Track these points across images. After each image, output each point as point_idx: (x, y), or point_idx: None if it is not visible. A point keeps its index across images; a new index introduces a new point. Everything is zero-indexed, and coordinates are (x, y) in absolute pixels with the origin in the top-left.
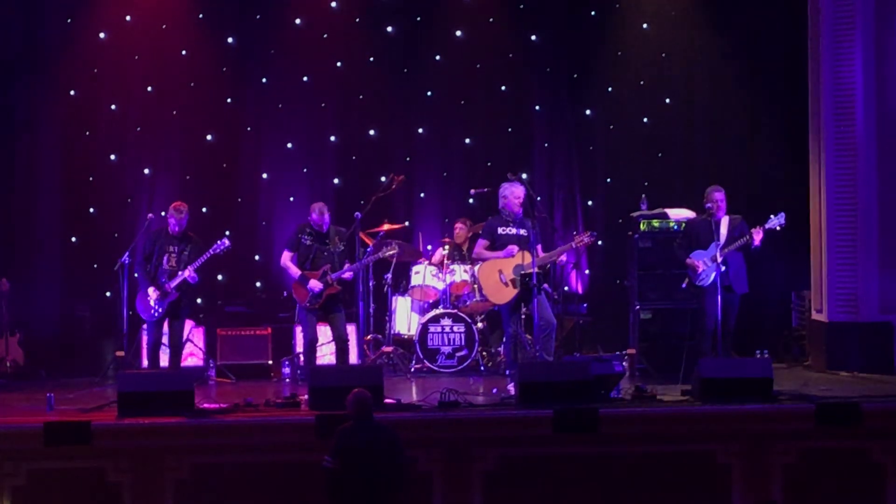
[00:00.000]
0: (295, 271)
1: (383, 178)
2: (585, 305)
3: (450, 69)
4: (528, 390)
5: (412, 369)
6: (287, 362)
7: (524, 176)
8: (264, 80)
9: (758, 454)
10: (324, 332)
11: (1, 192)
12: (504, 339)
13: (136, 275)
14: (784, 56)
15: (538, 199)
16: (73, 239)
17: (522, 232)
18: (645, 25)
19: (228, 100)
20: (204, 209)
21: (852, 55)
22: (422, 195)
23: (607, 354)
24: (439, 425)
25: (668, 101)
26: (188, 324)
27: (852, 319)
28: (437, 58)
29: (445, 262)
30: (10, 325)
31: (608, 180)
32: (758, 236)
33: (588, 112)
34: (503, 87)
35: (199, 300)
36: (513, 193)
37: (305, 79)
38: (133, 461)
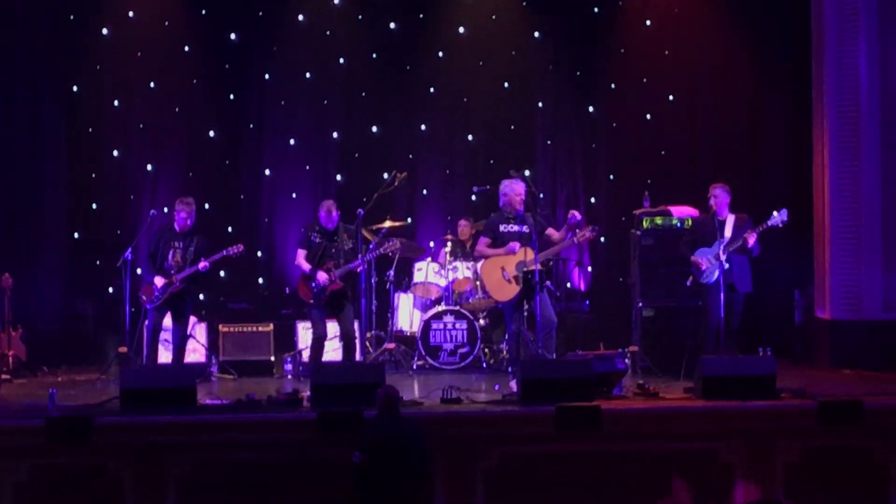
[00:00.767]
0: (307, 267)
1: (386, 175)
2: (588, 303)
3: (453, 66)
4: (530, 387)
5: (414, 366)
6: (289, 359)
7: (527, 173)
8: (267, 76)
9: (760, 452)
10: (330, 328)
11: (4, 188)
12: (506, 337)
13: (139, 270)
14: (788, 53)
15: (541, 196)
16: (76, 235)
17: (524, 229)
18: (648, 22)
19: (231, 96)
20: (206, 206)
21: (856, 51)
22: (424, 192)
23: (609, 352)
24: (441, 422)
25: (671, 98)
26: (191, 319)
27: (855, 317)
28: (440, 54)
29: (448, 259)
30: (12, 320)
31: (611, 177)
32: (751, 239)
33: (591, 109)
34: (506, 84)
35: (201, 296)
36: (513, 190)
37: (308, 75)
38: (135, 458)
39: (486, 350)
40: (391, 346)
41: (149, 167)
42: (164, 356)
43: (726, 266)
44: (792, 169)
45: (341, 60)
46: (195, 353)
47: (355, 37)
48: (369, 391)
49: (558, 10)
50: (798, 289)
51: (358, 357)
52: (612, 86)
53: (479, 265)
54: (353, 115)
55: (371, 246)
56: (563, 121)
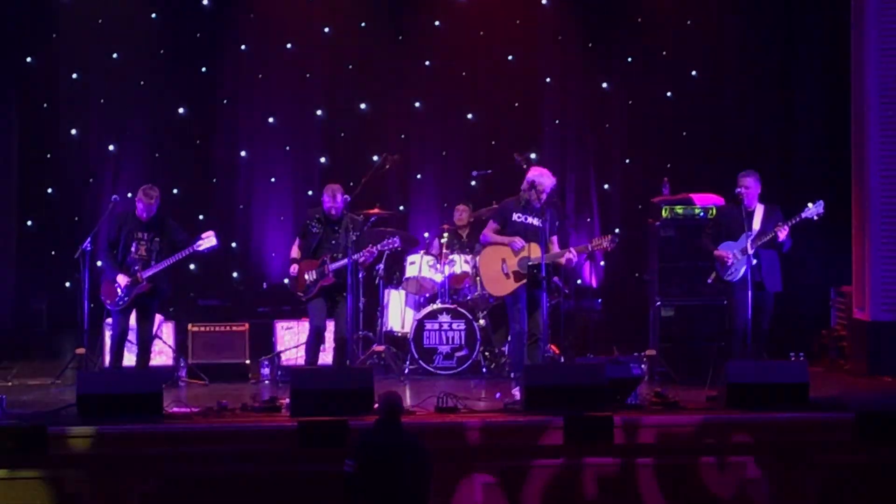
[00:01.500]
0: (294, 255)
1: (375, 158)
2: (600, 301)
3: (450, 36)
4: (535, 395)
5: (406, 371)
6: (266, 362)
7: (532, 156)
8: (243, 47)
9: (791, 468)
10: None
11: None
12: (509, 338)
13: (99, 263)
14: (823, 22)
15: None
16: (29, 223)
17: (538, 223)
18: None
19: (203, 69)
20: (175, 191)
21: None
22: (418, 177)
23: (624, 356)
24: (436, 433)
25: (694, 73)
26: (157, 318)
27: None
28: (437, 24)
29: (444, 251)
30: None
31: (626, 161)
32: (782, 233)
33: (605, 85)
34: (510, 57)
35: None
36: (541, 183)
37: (289, 46)
38: (94, 471)
39: (486, 353)
40: (380, 348)
41: (111, 147)
42: (129, 359)
43: (754, 262)
44: (828, 153)
45: (326, 29)
46: (161, 355)
47: (342, 3)
48: (355, 398)
49: None
50: (834, 287)
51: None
52: (629, 59)
53: (479, 254)
54: (339, 91)
55: (371, 247)
56: (574, 98)
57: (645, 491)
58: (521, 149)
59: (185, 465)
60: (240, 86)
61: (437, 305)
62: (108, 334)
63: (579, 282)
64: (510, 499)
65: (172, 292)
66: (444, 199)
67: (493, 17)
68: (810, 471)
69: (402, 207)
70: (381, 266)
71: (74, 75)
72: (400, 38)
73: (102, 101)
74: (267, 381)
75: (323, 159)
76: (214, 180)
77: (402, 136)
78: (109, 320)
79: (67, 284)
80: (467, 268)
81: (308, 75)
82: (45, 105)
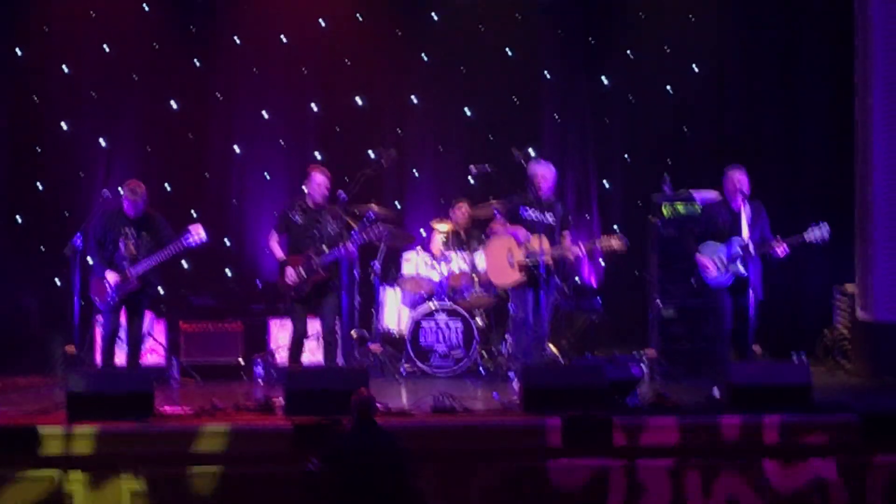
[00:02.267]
0: (277, 253)
1: (371, 153)
2: (599, 300)
3: (449, 30)
4: (534, 396)
5: (402, 371)
6: (260, 361)
7: (531, 152)
8: (237, 40)
9: (794, 470)
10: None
11: None
12: (506, 335)
13: (89, 260)
14: (827, 18)
15: None
16: (18, 218)
17: (549, 218)
18: None
19: (196, 62)
20: (167, 186)
21: None
22: (415, 173)
23: (624, 356)
24: (433, 435)
25: (695, 68)
26: (148, 315)
27: None
28: (434, 17)
29: (441, 248)
30: None
31: (627, 158)
32: (780, 250)
33: (605, 81)
34: (509, 52)
35: (160, 289)
36: (539, 173)
37: (283, 39)
38: (85, 471)
39: (484, 353)
40: (376, 347)
41: (102, 141)
42: (120, 358)
43: (743, 272)
44: (831, 149)
45: (321, 22)
46: (153, 353)
47: None
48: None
49: None
50: (837, 286)
51: (339, 360)
52: (629, 54)
53: (482, 247)
54: (335, 85)
55: (353, 233)
56: (573, 93)
57: (646, 494)
58: (519, 145)
59: (177, 466)
60: (233, 79)
61: (434, 304)
62: (98, 332)
63: (578, 281)
64: (509, 501)
65: (163, 290)
66: (441, 195)
67: (492, 12)
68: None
69: (397, 204)
70: (378, 263)
71: (65, 68)
72: (397, 31)
73: (94, 94)
74: (260, 381)
75: (318, 154)
76: (207, 175)
77: (399, 131)
78: (100, 318)
79: (57, 281)
80: (465, 266)
81: (303, 69)
82: (35, 98)
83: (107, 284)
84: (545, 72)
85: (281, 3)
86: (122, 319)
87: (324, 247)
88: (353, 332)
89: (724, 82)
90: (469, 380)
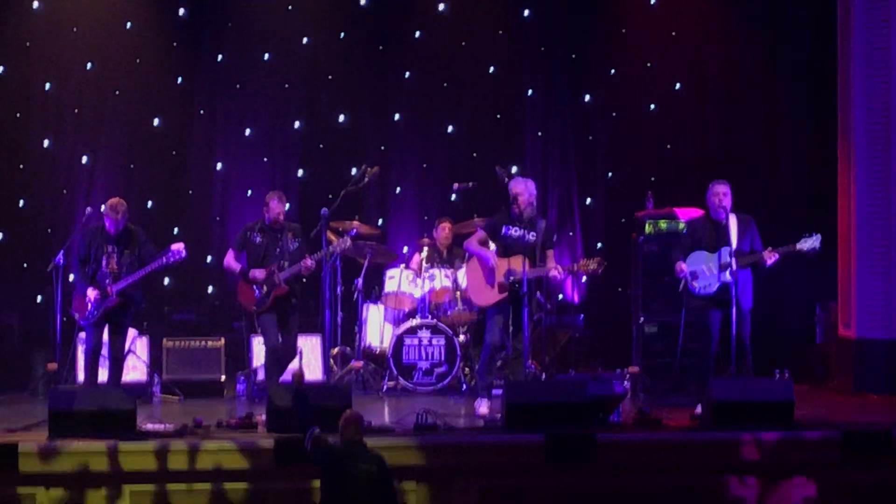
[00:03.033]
0: (236, 266)
1: (354, 170)
2: (582, 317)
3: (431, 47)
4: (516, 413)
5: (385, 387)
6: (242, 378)
7: (514, 169)
8: (220, 57)
9: (776, 488)
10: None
11: None
12: (482, 348)
13: (71, 278)
14: (809, 38)
15: None
16: (0, 236)
17: (531, 237)
18: (653, 0)
19: (179, 79)
20: (149, 203)
21: (888, 38)
22: (398, 190)
23: (607, 373)
24: (415, 452)
25: (677, 86)
26: (130, 332)
27: (884, 336)
28: (417, 34)
29: (424, 265)
30: None
31: (609, 175)
32: (770, 259)
33: (587, 97)
34: (491, 69)
35: (142, 305)
36: (526, 190)
37: (266, 56)
38: (66, 489)
39: (467, 370)
40: (358, 364)
41: (84, 159)
42: (102, 375)
43: (729, 279)
44: (815, 167)
45: (305, 40)
46: (135, 370)
47: (321, 13)
48: (333, 416)
49: None
50: (819, 303)
51: (320, 377)
52: (612, 71)
53: (465, 264)
54: (318, 102)
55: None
56: (556, 110)
57: None
58: (502, 162)
59: (159, 483)
60: (216, 97)
61: (417, 321)
62: (80, 349)
63: (561, 297)
64: None
65: (145, 306)
66: (423, 212)
67: (475, 29)
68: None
69: (380, 221)
70: (360, 280)
71: (48, 85)
72: (380, 48)
73: (76, 111)
74: (243, 398)
75: (300, 172)
76: (190, 192)
77: (382, 149)
78: (83, 335)
79: (39, 299)
80: (448, 283)
81: (286, 86)
82: (17, 115)
83: (87, 301)
84: (528, 89)
85: (264, 20)
86: (106, 335)
87: (285, 263)
88: (335, 349)
89: (706, 100)
90: (452, 396)
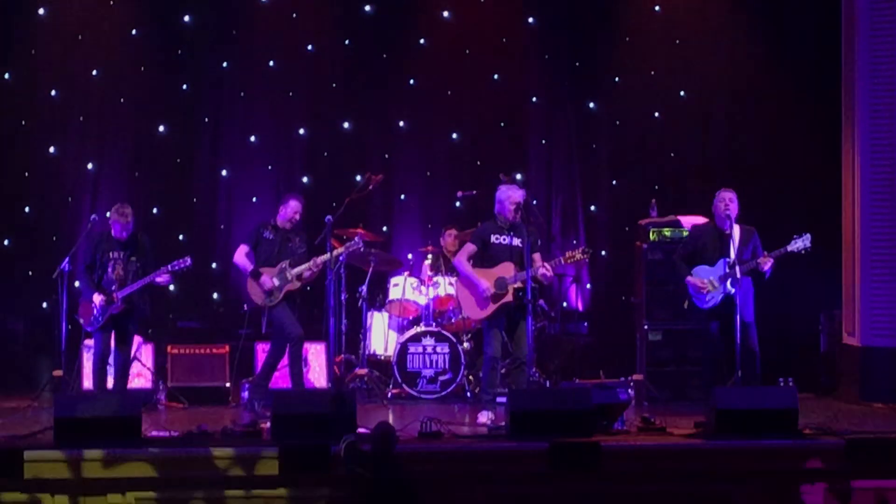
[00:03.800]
0: (248, 265)
1: (358, 178)
2: (586, 324)
3: (435, 55)
4: (520, 420)
5: (389, 395)
6: (247, 385)
7: (518, 177)
8: (224, 64)
9: (780, 497)
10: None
11: None
12: (483, 361)
13: (77, 284)
14: (813, 43)
15: (534, 202)
16: (6, 242)
17: (516, 242)
18: (657, 8)
19: (184, 87)
20: (154, 210)
21: (892, 44)
22: (402, 197)
23: (611, 381)
24: (419, 459)
25: (682, 93)
26: (135, 339)
27: (889, 344)
28: (422, 42)
29: (428, 273)
30: None
31: (614, 183)
32: (766, 264)
33: (592, 105)
34: (495, 76)
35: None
36: (509, 198)
37: (271, 64)
38: (71, 496)
39: (471, 377)
40: (363, 371)
41: (90, 166)
42: (110, 383)
43: (731, 291)
44: (819, 175)
45: (309, 47)
46: (140, 377)
47: (325, 21)
48: (338, 423)
49: None
50: (824, 312)
51: (323, 384)
52: (616, 79)
53: (456, 280)
54: (322, 110)
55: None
56: (560, 118)
57: None
58: (506, 169)
59: (164, 490)
60: (221, 104)
61: (421, 328)
62: (86, 356)
63: (565, 305)
64: None
65: (150, 313)
66: (428, 219)
67: (479, 36)
68: (801, 498)
69: (385, 228)
70: (364, 288)
71: (53, 92)
72: (384, 56)
73: (81, 118)
74: (247, 405)
75: (305, 179)
76: (195, 200)
77: (386, 156)
78: (88, 342)
79: (45, 305)
80: (452, 290)
81: (290, 94)
82: (23, 122)
83: (93, 306)
84: (532, 96)
85: (268, 28)
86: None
87: (297, 261)
88: (339, 356)
89: (710, 107)
90: (455, 404)
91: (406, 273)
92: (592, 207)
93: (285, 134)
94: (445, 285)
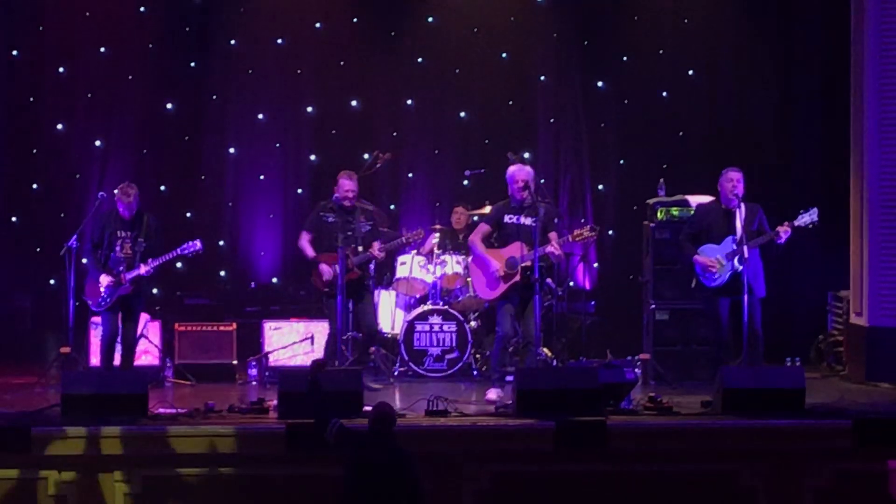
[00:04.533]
0: (310, 252)
1: (366, 156)
2: (594, 304)
3: (444, 33)
4: (527, 399)
5: (396, 373)
6: (254, 363)
7: (526, 155)
8: (233, 41)
9: (787, 476)
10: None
11: None
12: (494, 340)
13: (84, 261)
14: (822, 23)
15: (542, 181)
16: (14, 219)
17: (527, 221)
18: None
19: (192, 64)
20: (162, 188)
21: None
22: (410, 175)
23: (618, 360)
24: (426, 438)
25: (690, 72)
26: (142, 317)
27: None
28: (430, 20)
29: (436, 251)
30: None
31: (621, 162)
32: (785, 234)
33: (600, 84)
34: (504, 55)
35: (154, 290)
36: (513, 177)
37: (279, 41)
38: (78, 472)
39: (478, 356)
40: (370, 349)
41: (97, 142)
42: (117, 361)
43: (739, 268)
44: (827, 154)
45: (317, 25)
46: (147, 354)
47: None
48: (344, 400)
49: None
50: (831, 291)
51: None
52: (624, 58)
53: (469, 258)
54: (330, 88)
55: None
56: (568, 96)
57: (638, 499)
58: (514, 148)
59: (170, 468)
60: (229, 81)
61: (428, 307)
62: (93, 333)
63: (572, 284)
64: None
65: (157, 291)
66: (435, 197)
67: (488, 14)
68: (807, 479)
69: (392, 206)
70: (372, 266)
71: (61, 69)
72: (392, 34)
73: (89, 95)
74: (254, 383)
75: (313, 157)
76: (203, 177)
77: (394, 134)
78: (95, 319)
79: (52, 282)
80: (459, 269)
81: (299, 71)
82: (31, 99)
83: (100, 287)
84: (540, 75)
85: (276, 5)
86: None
87: (358, 247)
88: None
89: (718, 86)
90: (462, 382)
91: (413, 251)
92: (600, 186)
93: (293, 111)
94: (453, 263)
